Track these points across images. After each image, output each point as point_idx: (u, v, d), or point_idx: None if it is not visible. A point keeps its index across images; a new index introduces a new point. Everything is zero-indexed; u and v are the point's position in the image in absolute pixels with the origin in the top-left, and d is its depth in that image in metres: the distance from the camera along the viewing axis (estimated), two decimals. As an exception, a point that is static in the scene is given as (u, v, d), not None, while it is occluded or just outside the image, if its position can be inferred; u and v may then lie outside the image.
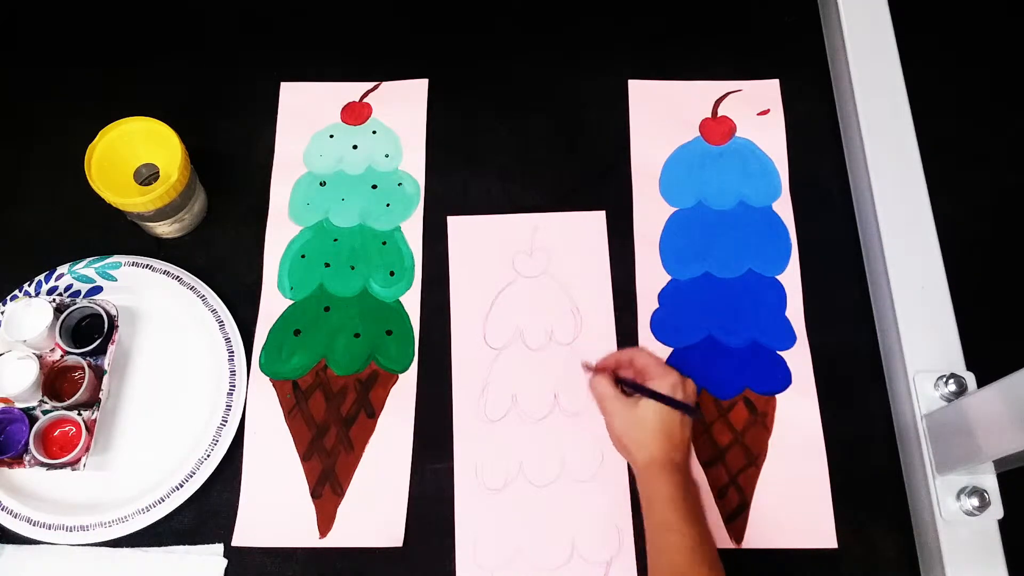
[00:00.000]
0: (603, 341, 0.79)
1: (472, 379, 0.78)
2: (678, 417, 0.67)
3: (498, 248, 0.83)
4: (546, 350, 0.79)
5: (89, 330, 0.77)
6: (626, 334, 0.79)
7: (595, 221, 0.84)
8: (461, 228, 0.84)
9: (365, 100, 0.90)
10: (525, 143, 0.87)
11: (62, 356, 0.75)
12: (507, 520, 0.73)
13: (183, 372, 0.77)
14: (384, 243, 0.83)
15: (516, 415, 0.77)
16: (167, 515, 0.72)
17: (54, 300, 0.76)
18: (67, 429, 0.73)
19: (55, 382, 0.74)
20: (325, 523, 0.73)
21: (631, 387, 0.70)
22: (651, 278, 0.81)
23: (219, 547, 0.72)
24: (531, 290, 0.81)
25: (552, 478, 0.74)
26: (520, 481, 0.74)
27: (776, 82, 0.89)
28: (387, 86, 0.90)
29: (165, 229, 0.81)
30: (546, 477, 0.75)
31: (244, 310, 0.80)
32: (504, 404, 0.77)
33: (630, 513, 0.73)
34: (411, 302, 0.81)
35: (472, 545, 0.72)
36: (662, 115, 0.88)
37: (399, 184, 0.86)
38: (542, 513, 0.73)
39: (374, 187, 0.86)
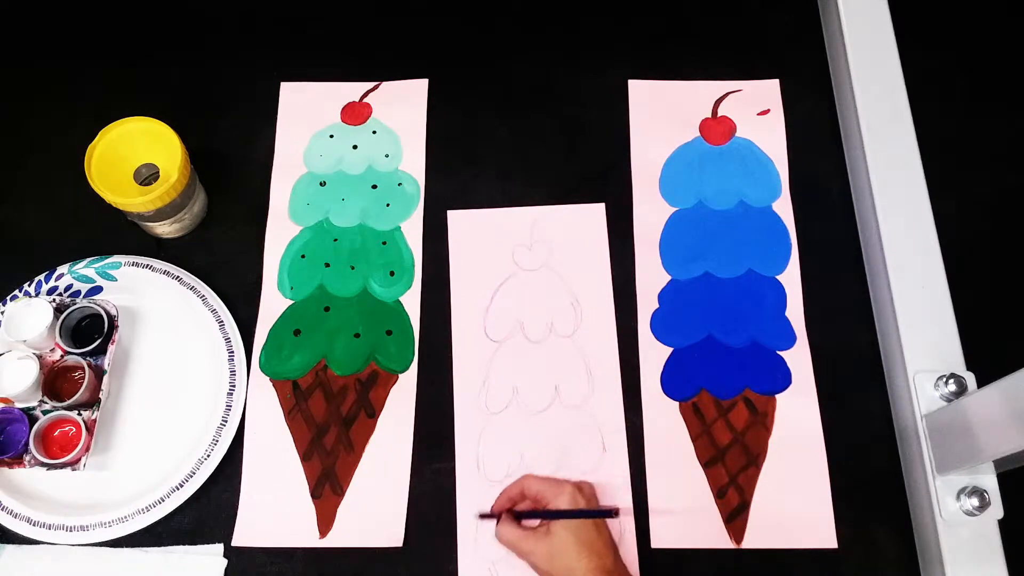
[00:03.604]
0: (603, 333, 0.79)
1: (473, 372, 0.78)
2: (591, 524, 0.66)
3: (498, 241, 0.83)
4: (546, 342, 0.79)
5: (89, 330, 0.77)
6: (626, 334, 0.79)
7: (594, 213, 0.84)
8: (461, 222, 0.84)
9: (365, 100, 0.90)
10: (525, 143, 0.87)
11: (62, 356, 0.75)
12: (508, 514, 0.73)
13: (183, 372, 0.77)
14: (384, 243, 0.83)
15: (517, 407, 0.77)
16: (167, 515, 0.72)
17: (54, 300, 0.76)
18: (67, 429, 0.73)
19: (55, 382, 0.74)
20: (325, 523, 0.73)
21: (535, 517, 0.69)
22: (651, 278, 0.81)
23: (219, 547, 0.72)
24: (531, 283, 0.81)
25: (553, 470, 0.74)
26: (521, 473, 0.74)
27: (776, 82, 0.89)
28: (387, 86, 0.90)
29: (165, 229, 0.81)
30: (547, 469, 0.75)
31: (244, 310, 0.80)
32: (505, 396, 0.77)
33: (631, 505, 0.73)
34: (411, 302, 0.81)
35: (474, 537, 0.72)
36: (662, 115, 0.88)
37: (399, 184, 0.86)
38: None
39: (374, 187, 0.86)
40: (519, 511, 0.71)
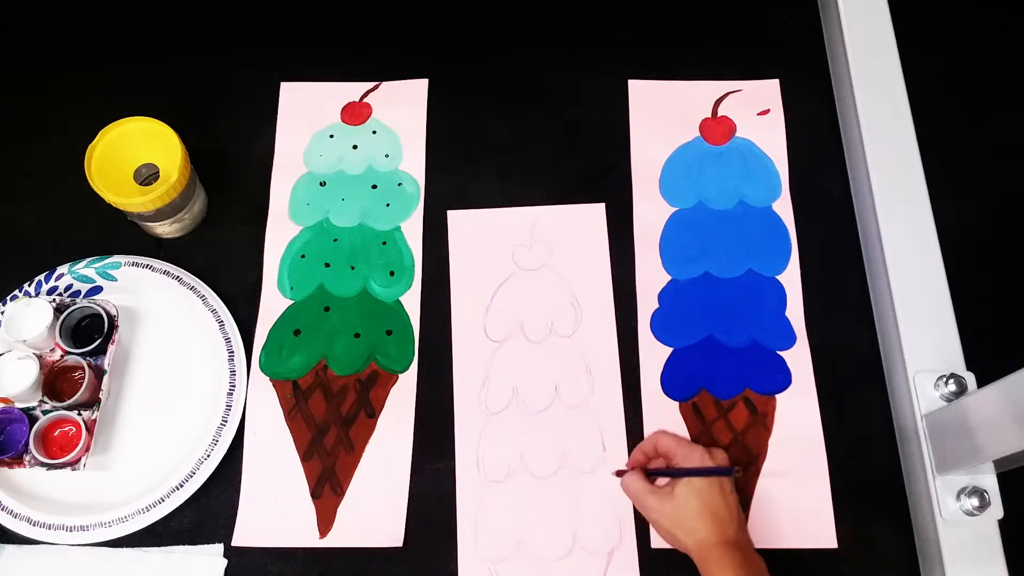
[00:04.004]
0: (603, 333, 0.79)
1: (473, 372, 0.78)
2: (717, 489, 0.65)
3: (498, 241, 0.83)
4: (546, 342, 0.79)
5: (89, 330, 0.77)
6: (626, 334, 0.79)
7: (594, 214, 0.84)
8: (461, 222, 0.84)
9: (365, 100, 0.90)
10: (525, 143, 0.87)
11: (62, 356, 0.75)
12: (509, 512, 0.73)
13: (183, 372, 0.77)
14: (384, 243, 0.83)
15: (517, 407, 0.77)
16: (167, 515, 0.72)
17: (54, 300, 0.76)
18: (67, 429, 0.73)
19: (55, 382, 0.74)
20: (325, 523, 0.73)
21: (662, 474, 0.69)
22: (651, 278, 0.81)
23: (219, 547, 0.72)
24: (531, 283, 0.81)
25: (553, 469, 0.75)
26: (521, 473, 0.75)
27: (776, 82, 0.89)
28: (387, 86, 0.90)
29: (165, 229, 0.81)
30: (547, 469, 0.75)
31: (244, 310, 0.80)
32: (505, 396, 0.77)
33: (631, 505, 0.73)
34: (411, 302, 0.81)
35: (474, 537, 0.72)
36: (662, 115, 0.88)
37: (399, 184, 0.86)
38: (544, 504, 0.74)
39: (374, 187, 0.86)
40: (650, 469, 0.70)
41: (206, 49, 0.92)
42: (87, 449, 0.71)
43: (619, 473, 0.73)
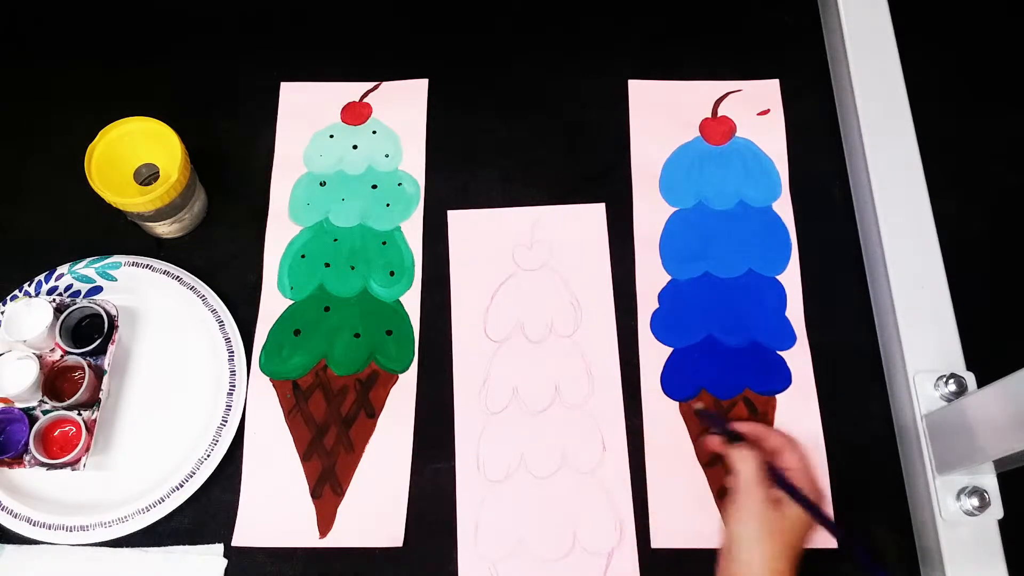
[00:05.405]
0: (603, 333, 0.79)
1: (473, 372, 0.78)
2: (802, 532, 0.62)
3: (498, 241, 0.83)
4: (547, 342, 0.79)
5: (89, 330, 0.77)
6: (626, 334, 0.79)
7: (595, 213, 0.84)
8: (461, 222, 0.84)
9: (365, 100, 0.90)
10: (525, 143, 0.87)
11: (62, 356, 0.75)
12: (509, 512, 0.73)
13: (183, 372, 0.77)
14: (384, 243, 0.83)
15: (517, 407, 0.77)
16: (167, 515, 0.72)
17: (54, 300, 0.76)
18: (67, 429, 0.73)
19: (55, 382, 0.74)
20: (325, 523, 0.73)
21: (779, 482, 0.65)
22: (651, 278, 0.81)
23: (219, 547, 0.72)
24: (531, 283, 0.81)
25: (553, 469, 0.75)
26: (521, 473, 0.75)
27: (776, 82, 0.89)
28: (387, 86, 0.90)
29: (165, 229, 0.81)
30: (547, 469, 0.75)
31: (244, 310, 0.80)
32: (505, 396, 0.77)
33: (631, 504, 0.73)
34: (411, 302, 0.81)
35: (474, 537, 0.72)
36: (662, 115, 0.88)
37: (399, 184, 0.86)
38: (544, 504, 0.74)
39: (374, 187, 0.86)
40: (770, 463, 0.66)
41: (206, 49, 0.92)
42: (87, 449, 0.71)
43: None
